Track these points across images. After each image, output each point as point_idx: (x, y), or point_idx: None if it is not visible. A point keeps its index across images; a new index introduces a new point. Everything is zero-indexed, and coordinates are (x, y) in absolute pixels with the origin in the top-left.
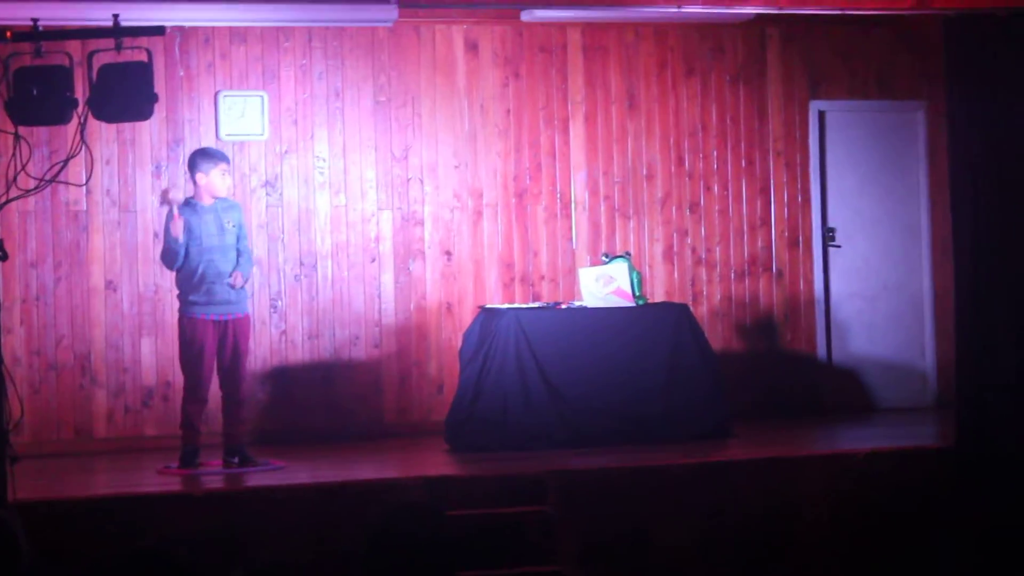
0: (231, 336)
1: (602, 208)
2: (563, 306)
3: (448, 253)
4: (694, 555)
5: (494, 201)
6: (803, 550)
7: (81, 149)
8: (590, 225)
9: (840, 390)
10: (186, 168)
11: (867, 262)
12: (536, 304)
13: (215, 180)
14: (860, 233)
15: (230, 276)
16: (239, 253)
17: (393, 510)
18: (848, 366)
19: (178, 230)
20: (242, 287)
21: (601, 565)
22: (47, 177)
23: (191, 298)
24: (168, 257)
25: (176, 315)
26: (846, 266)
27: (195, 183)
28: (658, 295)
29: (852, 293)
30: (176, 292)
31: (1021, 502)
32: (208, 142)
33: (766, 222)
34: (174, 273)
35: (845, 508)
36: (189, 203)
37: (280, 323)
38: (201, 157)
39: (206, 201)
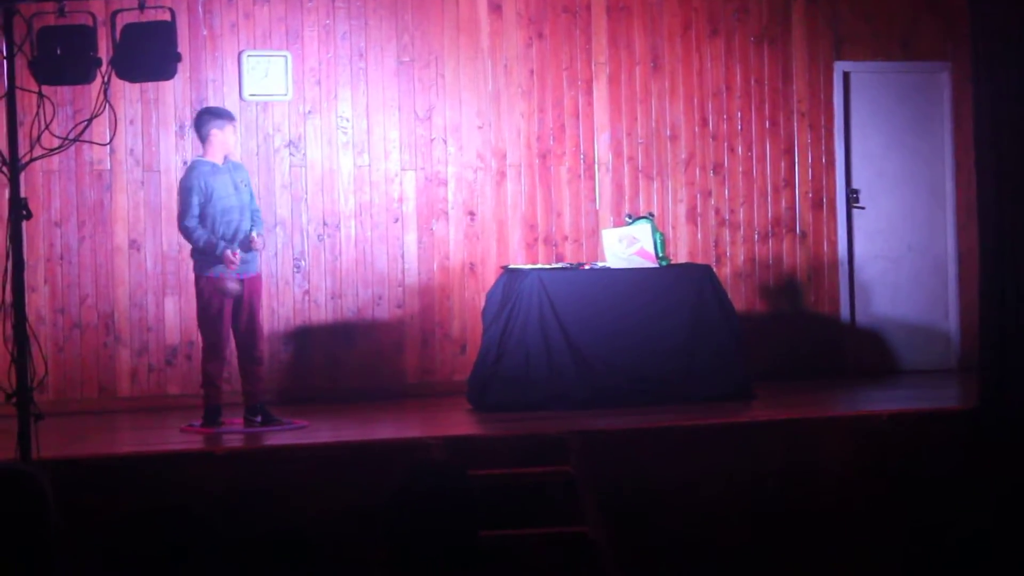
0: (247, 295)
1: (625, 169)
2: (586, 267)
3: (471, 213)
4: (716, 515)
5: (517, 161)
6: (824, 512)
7: (105, 108)
8: (613, 186)
9: (863, 352)
10: (194, 126)
11: (891, 224)
12: (559, 265)
13: (229, 137)
14: (884, 195)
15: (250, 239)
16: (254, 213)
17: (415, 469)
18: (871, 328)
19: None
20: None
21: (624, 526)
22: (71, 136)
23: (208, 258)
24: (190, 240)
25: None
26: (870, 228)
27: (209, 140)
28: (681, 256)
29: (876, 255)
30: (190, 252)
31: None
32: (232, 102)
33: (790, 183)
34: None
35: (867, 470)
36: (203, 164)
37: (303, 283)
38: (215, 114)
39: (218, 160)
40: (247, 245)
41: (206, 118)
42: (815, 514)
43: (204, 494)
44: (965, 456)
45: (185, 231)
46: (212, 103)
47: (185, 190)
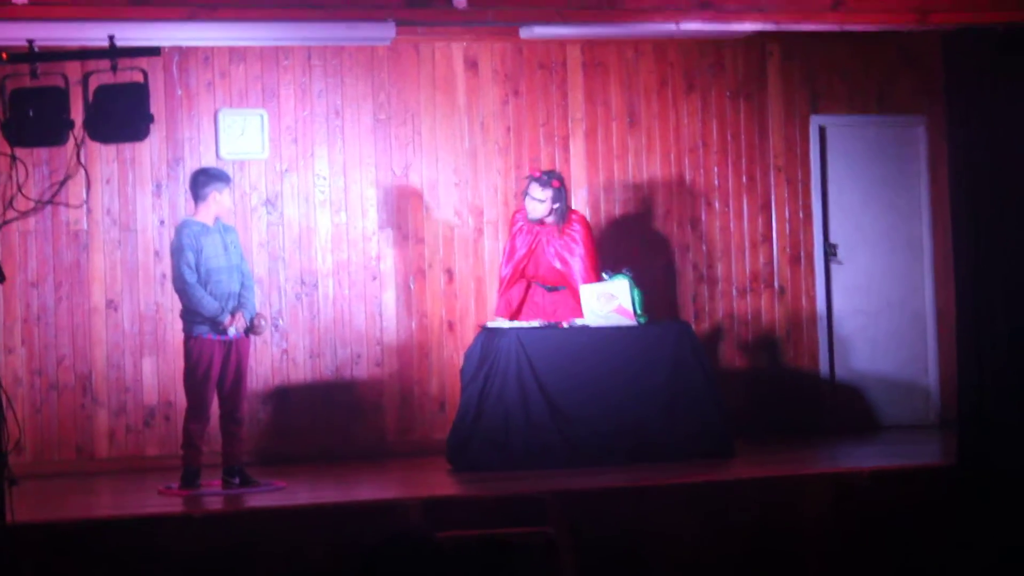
0: (234, 356)
1: (602, 225)
2: (564, 325)
3: (449, 271)
4: (696, 574)
5: (495, 218)
6: (805, 569)
7: (79, 170)
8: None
9: (843, 407)
10: (191, 186)
11: (869, 278)
12: (537, 323)
13: (226, 200)
14: (862, 249)
15: (255, 324)
16: (243, 276)
17: (386, 533)
18: (851, 383)
19: (230, 324)
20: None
21: None
22: (44, 198)
23: (198, 319)
24: (192, 302)
25: (178, 334)
26: (848, 282)
27: (206, 201)
28: (659, 312)
29: (854, 309)
30: (179, 312)
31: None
32: (208, 161)
33: (767, 238)
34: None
35: (849, 527)
36: (193, 223)
37: (281, 342)
38: (215, 177)
39: (209, 222)
40: (251, 328)
41: (206, 179)
42: (796, 572)
43: (182, 557)
44: (946, 512)
45: (187, 288)
46: (189, 162)
47: (177, 250)
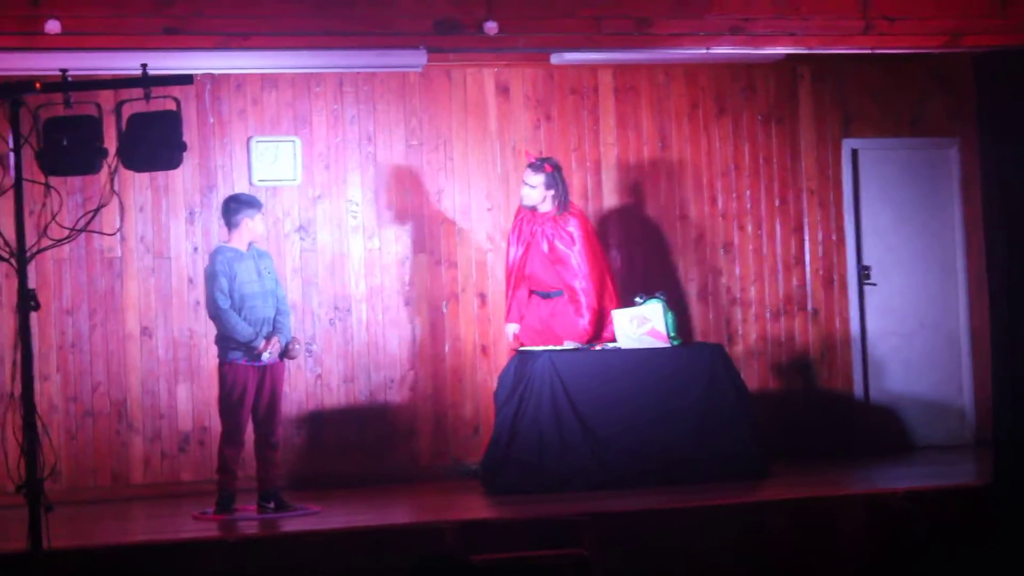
0: (268, 381)
1: (635, 249)
2: (598, 348)
3: (482, 295)
4: None
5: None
6: None
7: (112, 198)
8: (624, 266)
9: (877, 429)
10: (223, 213)
11: (903, 300)
12: (571, 346)
13: (259, 226)
14: (895, 271)
15: (289, 349)
16: (278, 301)
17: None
18: (885, 404)
19: (265, 349)
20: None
21: None
22: (78, 227)
23: (232, 344)
24: (227, 328)
25: (212, 360)
26: (882, 304)
27: (239, 228)
28: (693, 335)
29: (888, 331)
30: (214, 338)
31: None
32: (241, 188)
33: (800, 261)
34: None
35: (883, 548)
36: (227, 249)
37: (315, 367)
38: (246, 203)
39: (243, 247)
40: (286, 353)
41: (237, 206)
42: None
43: None
44: (981, 533)
45: (221, 314)
46: (222, 189)
47: (210, 276)
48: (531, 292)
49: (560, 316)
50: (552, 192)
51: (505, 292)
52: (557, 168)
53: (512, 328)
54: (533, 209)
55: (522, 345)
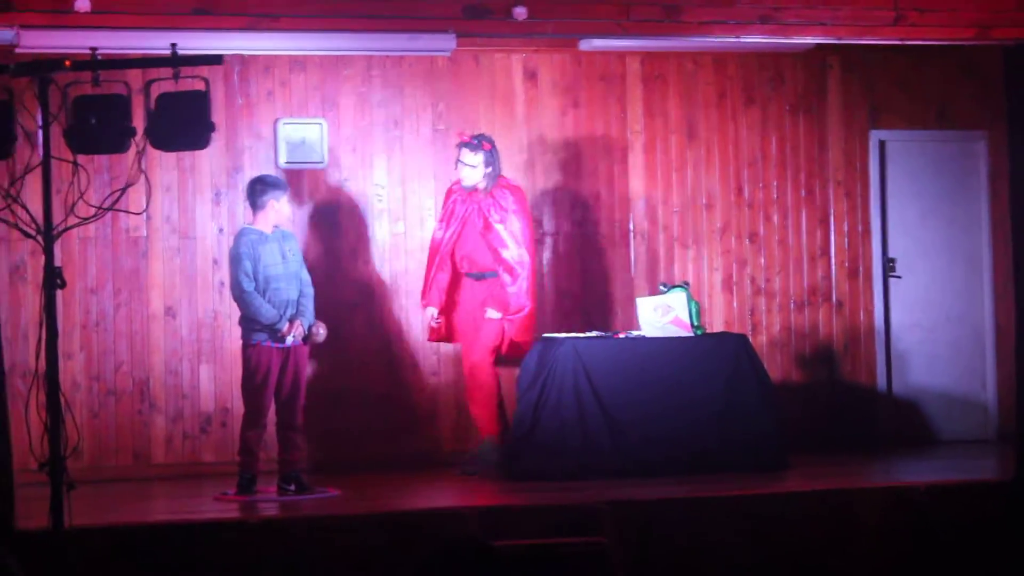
0: (292, 364)
1: (661, 237)
2: (621, 335)
3: None
4: None
5: (553, 230)
6: None
7: (140, 177)
8: (648, 254)
9: (900, 422)
10: (248, 195)
11: (928, 293)
12: (594, 333)
13: (284, 208)
14: (921, 263)
15: (311, 333)
16: (302, 284)
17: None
18: (908, 397)
19: (288, 332)
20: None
21: None
22: (105, 205)
23: (256, 326)
24: (250, 310)
25: (235, 341)
26: (907, 297)
27: (262, 210)
28: (716, 325)
29: (913, 324)
30: (238, 319)
31: None
32: (267, 170)
33: (826, 252)
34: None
35: (903, 541)
36: (251, 231)
37: (339, 351)
38: (271, 185)
39: (268, 230)
40: (309, 336)
41: (263, 188)
42: None
43: (238, 564)
44: (1002, 528)
45: (244, 296)
46: (249, 171)
47: (234, 258)
48: (464, 274)
49: (495, 297)
50: (489, 170)
51: (426, 273)
52: (493, 144)
53: (432, 311)
54: (473, 188)
55: (439, 334)
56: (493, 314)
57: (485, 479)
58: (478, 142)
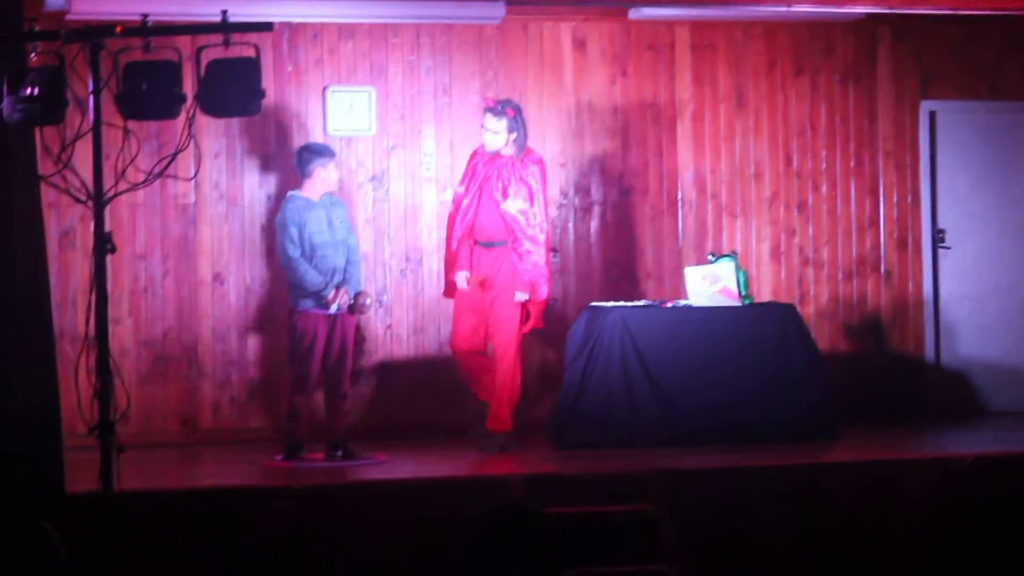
0: (339, 331)
1: (709, 207)
2: (668, 305)
3: (554, 250)
4: (796, 557)
5: (601, 198)
6: (907, 554)
7: (189, 144)
8: (696, 224)
9: (948, 393)
10: (296, 162)
11: (977, 264)
12: (641, 302)
13: (332, 174)
14: (970, 234)
15: (360, 303)
16: (349, 251)
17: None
18: (957, 368)
19: (334, 300)
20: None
21: (703, 565)
22: (155, 171)
23: (302, 293)
24: (296, 276)
25: (283, 308)
26: (956, 268)
27: (310, 177)
28: (764, 295)
29: (962, 295)
30: (286, 286)
31: None
32: (316, 137)
33: (875, 223)
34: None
35: (951, 512)
36: (297, 198)
37: (386, 318)
38: (317, 153)
39: (315, 196)
40: (354, 307)
41: (309, 156)
42: (897, 556)
43: (285, 529)
44: None
45: (290, 263)
46: (297, 138)
47: (280, 225)
48: (475, 242)
49: (504, 268)
50: (514, 136)
51: (448, 238)
52: (518, 111)
53: (464, 275)
54: (496, 154)
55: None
56: (521, 296)
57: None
58: (502, 108)
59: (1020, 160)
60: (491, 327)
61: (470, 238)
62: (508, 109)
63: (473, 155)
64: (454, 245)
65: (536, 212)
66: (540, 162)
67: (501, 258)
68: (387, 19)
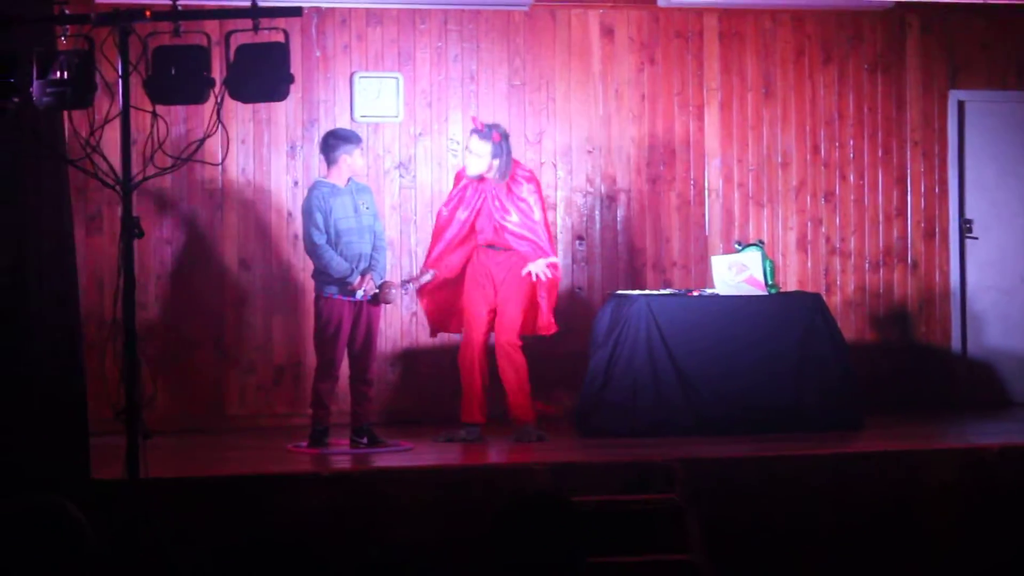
0: (364, 317)
1: (736, 195)
2: (695, 293)
3: (580, 238)
4: (821, 546)
5: (627, 187)
6: (931, 545)
7: (217, 129)
8: (723, 212)
9: (974, 383)
10: (322, 149)
11: (1004, 254)
12: (667, 291)
13: (358, 161)
14: (998, 225)
15: (386, 292)
16: (375, 237)
17: (520, 494)
18: (983, 359)
19: (360, 286)
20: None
21: (728, 555)
22: (183, 156)
23: (328, 279)
24: (322, 263)
25: (309, 294)
26: (983, 258)
27: (338, 164)
28: (791, 284)
29: (989, 285)
30: (311, 272)
31: None
32: (343, 123)
33: (902, 212)
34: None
35: (975, 503)
36: (323, 184)
37: (411, 305)
38: (343, 139)
39: (341, 183)
40: (379, 297)
41: (335, 142)
42: (922, 546)
43: (310, 515)
44: None
45: (316, 250)
46: (324, 124)
47: (306, 212)
48: (478, 246)
49: (511, 270)
50: (497, 161)
51: (429, 249)
52: (505, 137)
53: (432, 272)
54: (479, 178)
55: (430, 309)
56: (534, 267)
57: (557, 435)
58: (489, 131)
59: None
60: (497, 323)
61: (466, 245)
62: (495, 133)
63: (459, 177)
64: (438, 249)
65: (539, 228)
66: (532, 179)
67: (509, 260)
68: (415, 5)
